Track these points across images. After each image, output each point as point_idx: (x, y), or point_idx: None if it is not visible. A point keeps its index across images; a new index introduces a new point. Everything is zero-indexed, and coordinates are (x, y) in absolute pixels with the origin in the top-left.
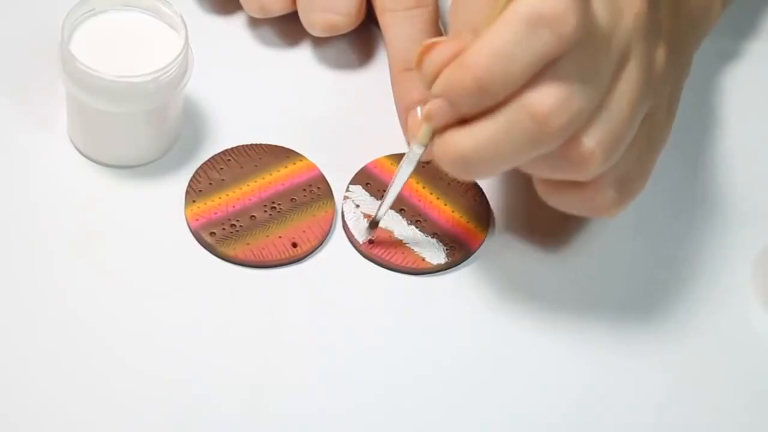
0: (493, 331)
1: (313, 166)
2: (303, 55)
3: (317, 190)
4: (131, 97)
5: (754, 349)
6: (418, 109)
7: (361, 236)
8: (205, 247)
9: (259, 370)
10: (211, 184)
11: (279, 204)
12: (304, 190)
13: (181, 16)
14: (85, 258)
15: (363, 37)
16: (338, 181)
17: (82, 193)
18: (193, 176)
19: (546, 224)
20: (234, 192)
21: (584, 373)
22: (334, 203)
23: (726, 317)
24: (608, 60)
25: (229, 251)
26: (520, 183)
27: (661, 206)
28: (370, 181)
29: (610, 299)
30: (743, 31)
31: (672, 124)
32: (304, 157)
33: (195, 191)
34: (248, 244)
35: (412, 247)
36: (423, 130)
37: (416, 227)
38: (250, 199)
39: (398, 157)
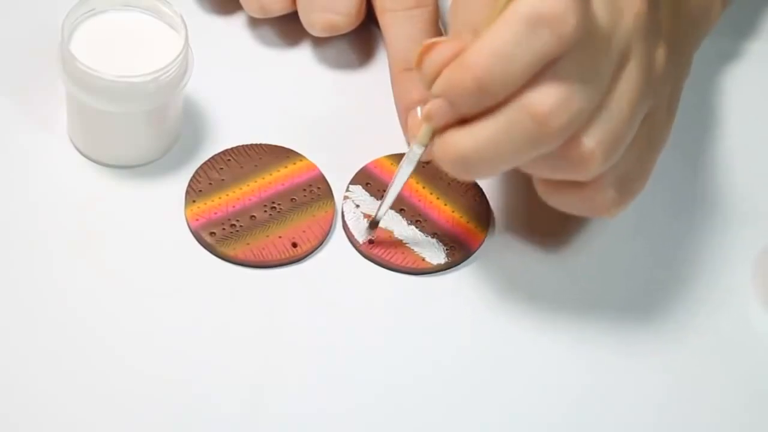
0: (493, 331)
1: (313, 166)
2: (303, 55)
3: (317, 190)
4: (131, 97)
5: (754, 349)
6: (418, 109)
7: (361, 236)
8: (205, 247)
9: (259, 370)
10: (211, 184)
11: (279, 204)
12: (304, 190)
13: (181, 16)
14: (85, 258)
15: (363, 37)
16: (338, 181)
17: (82, 193)
18: (193, 176)
19: (546, 224)
20: (234, 192)
21: (584, 373)
22: (334, 203)
23: (726, 317)
24: (608, 60)
25: (229, 251)
26: (520, 183)
27: (661, 206)
28: (370, 181)
29: (610, 299)
30: (743, 31)
31: (672, 124)
32: (304, 157)
33: (195, 191)
34: (248, 244)
35: (412, 247)
36: (423, 130)
37: (416, 227)
38: (250, 199)
39: (398, 157)
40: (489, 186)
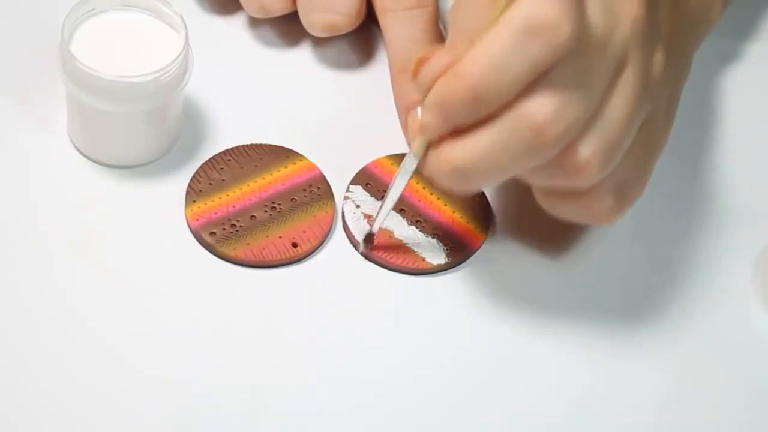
0: (493, 332)
1: (313, 166)
2: (303, 55)
3: (317, 190)
4: (131, 97)
5: (754, 349)
6: (419, 109)
7: (360, 239)
8: (205, 247)
9: (259, 370)
10: (211, 184)
11: (279, 204)
12: (305, 190)
13: (181, 16)
14: (85, 258)
15: (363, 37)
16: (338, 181)
17: (82, 193)
18: (193, 176)
19: (546, 225)
20: (234, 192)
21: (584, 373)
22: (335, 203)
23: (726, 317)
24: (604, 67)
25: (229, 251)
26: (521, 184)
27: (662, 206)
28: (371, 181)
29: (610, 299)
30: (743, 31)
31: (670, 129)
32: (304, 157)
33: (195, 191)
34: (248, 244)
35: (412, 248)
36: (417, 143)
37: (416, 227)
38: (250, 199)
39: (398, 157)
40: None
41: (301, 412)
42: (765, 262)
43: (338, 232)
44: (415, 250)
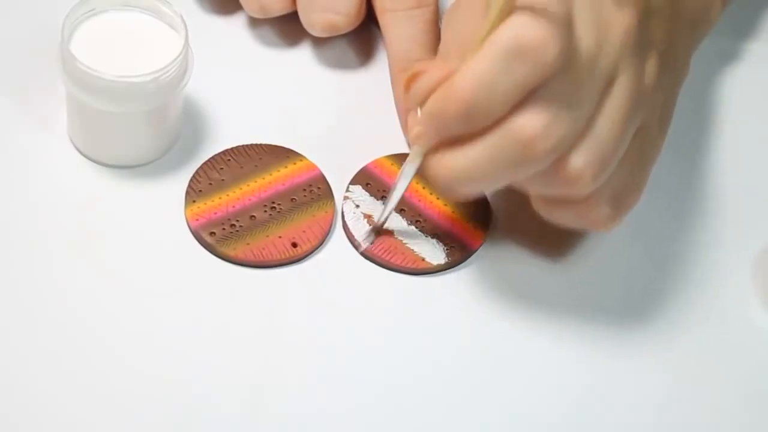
0: (493, 331)
1: (313, 166)
2: (303, 55)
3: (317, 190)
4: (131, 97)
5: (754, 349)
6: (418, 109)
7: (361, 240)
8: (205, 247)
9: (259, 370)
10: (211, 184)
11: (279, 204)
12: (304, 190)
13: (181, 16)
14: (85, 258)
15: (363, 37)
16: (338, 181)
17: (82, 193)
18: (193, 176)
19: (546, 225)
20: (234, 192)
21: (584, 373)
22: (334, 203)
23: (726, 317)
24: (594, 82)
25: (229, 251)
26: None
27: (661, 206)
28: (370, 181)
29: (609, 299)
30: (743, 31)
31: (665, 134)
32: (304, 157)
33: (195, 191)
34: (248, 244)
35: (412, 247)
36: (413, 150)
37: (416, 227)
38: (250, 199)
39: (398, 157)
40: None
41: (301, 412)
42: (765, 262)
43: (338, 232)
44: (415, 249)
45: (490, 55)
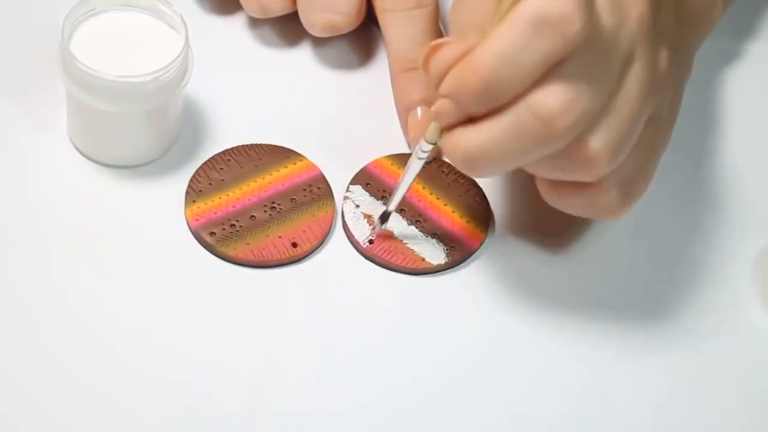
0: (493, 331)
1: (313, 166)
2: (303, 55)
3: (317, 190)
4: (131, 97)
5: (754, 349)
6: (419, 109)
7: (364, 234)
8: (205, 247)
9: (259, 370)
10: (211, 184)
11: (279, 204)
12: (304, 190)
13: (181, 16)
14: (85, 258)
15: (363, 37)
16: (338, 181)
17: (82, 193)
18: (193, 176)
19: (546, 224)
20: (234, 192)
21: (584, 373)
22: (334, 203)
23: (726, 317)
24: (613, 61)
25: (229, 251)
26: (521, 183)
27: (662, 206)
28: (370, 181)
29: (610, 299)
30: (744, 31)
31: (674, 125)
32: (304, 157)
33: (195, 191)
34: (248, 244)
35: (412, 247)
36: (431, 128)
37: (416, 227)
38: (250, 199)
39: (398, 157)
40: (489, 186)
41: (301, 412)
42: (765, 262)
43: (338, 231)
44: (415, 249)
45: (513, 27)
